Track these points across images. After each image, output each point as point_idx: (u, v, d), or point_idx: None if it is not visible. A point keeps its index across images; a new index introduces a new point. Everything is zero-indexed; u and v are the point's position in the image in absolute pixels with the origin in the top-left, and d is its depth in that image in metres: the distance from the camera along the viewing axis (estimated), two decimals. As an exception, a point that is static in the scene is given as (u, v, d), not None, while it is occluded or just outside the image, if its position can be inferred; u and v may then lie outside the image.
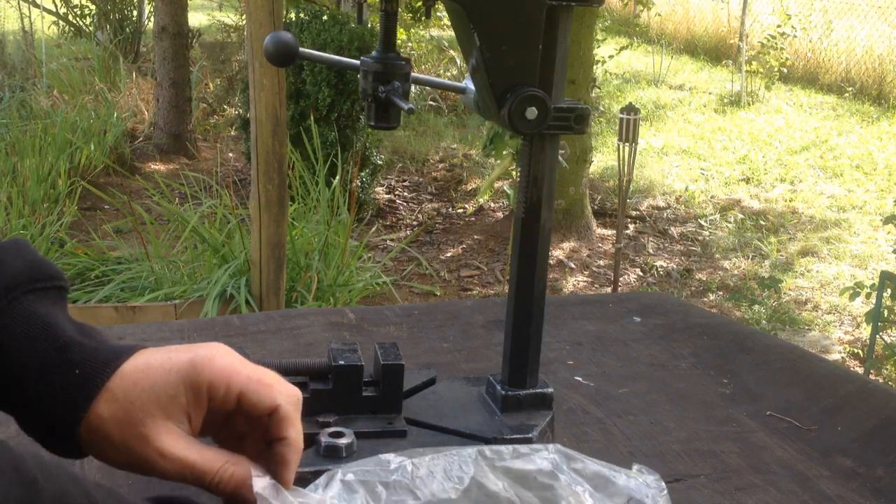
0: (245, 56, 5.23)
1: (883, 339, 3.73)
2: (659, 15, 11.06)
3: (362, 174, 5.09)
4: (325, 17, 5.05)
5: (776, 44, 8.85)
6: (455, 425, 0.98)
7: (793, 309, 4.67)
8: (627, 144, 4.24)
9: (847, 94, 9.45)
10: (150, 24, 7.51)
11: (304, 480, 0.87)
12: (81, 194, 4.89)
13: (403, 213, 5.73)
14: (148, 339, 1.30)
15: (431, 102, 8.13)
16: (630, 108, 4.27)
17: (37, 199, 4.54)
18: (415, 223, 5.55)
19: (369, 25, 5.12)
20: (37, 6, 8.23)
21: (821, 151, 7.60)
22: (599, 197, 6.17)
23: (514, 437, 0.97)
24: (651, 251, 5.38)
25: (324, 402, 0.96)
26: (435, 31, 9.27)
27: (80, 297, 3.54)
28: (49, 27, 8.79)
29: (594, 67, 6.39)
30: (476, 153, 6.61)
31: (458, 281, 4.75)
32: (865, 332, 4.15)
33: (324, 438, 0.91)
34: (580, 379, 1.25)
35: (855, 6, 10.22)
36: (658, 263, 5.15)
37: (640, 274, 5.04)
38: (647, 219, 5.90)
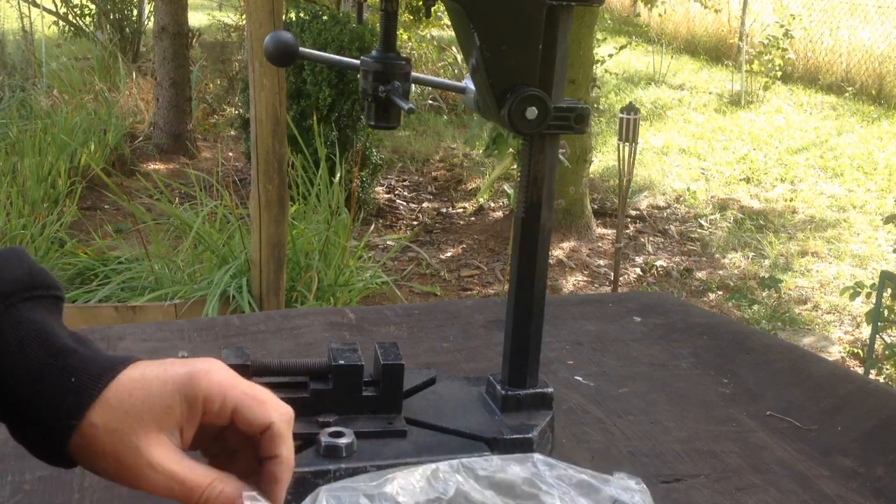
0: (245, 56, 5.23)
1: (883, 339, 3.73)
2: (660, 15, 11.06)
3: (362, 174, 5.09)
4: (325, 17, 5.05)
5: (779, 43, 8.85)
6: (455, 425, 0.98)
7: (793, 309, 4.67)
8: (627, 144, 4.24)
9: (847, 94, 9.44)
10: (150, 24, 7.51)
11: (304, 480, 0.87)
12: (81, 194, 4.89)
13: (403, 213, 5.73)
14: (148, 339, 1.30)
15: (431, 102, 8.13)
16: (630, 108, 4.27)
17: (37, 199, 4.53)
18: (415, 223, 5.55)
19: (369, 25, 5.12)
20: (37, 6, 8.23)
21: (821, 151, 7.60)
22: (599, 197, 6.17)
23: (514, 436, 0.97)
24: (651, 251, 5.38)
25: (324, 402, 0.96)
26: (435, 31, 9.27)
27: (80, 297, 3.54)
28: (49, 27, 8.79)
29: (594, 67, 6.39)
30: (476, 153, 6.61)
31: (458, 281, 4.75)
32: (865, 332, 4.15)
33: (324, 438, 0.91)
34: (580, 379, 1.25)
35: (855, 6, 10.22)
36: (658, 263, 5.15)
37: (640, 274, 5.04)
38: (647, 218, 5.90)
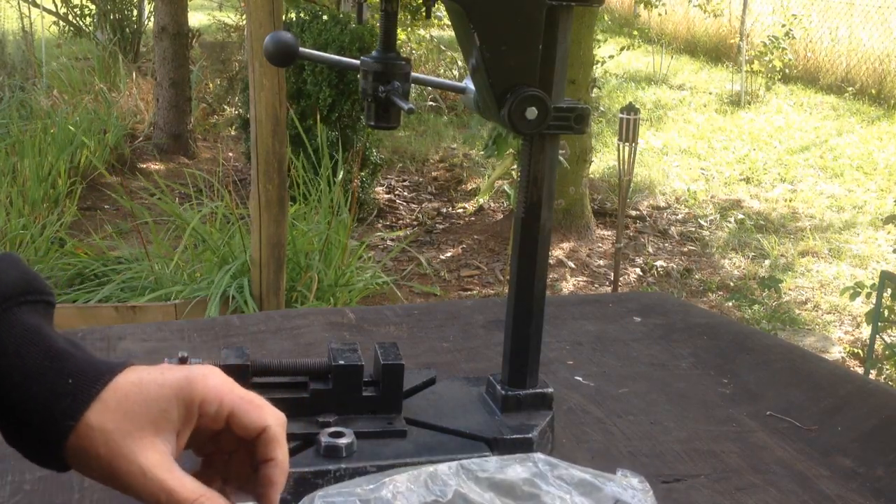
0: (245, 56, 5.23)
1: (883, 339, 3.73)
2: (661, 15, 11.06)
3: (362, 174, 5.09)
4: (325, 18, 5.05)
5: (779, 44, 8.85)
6: (455, 425, 0.98)
7: (793, 309, 4.67)
8: (627, 144, 4.24)
9: (847, 94, 9.44)
10: (150, 24, 7.51)
11: (304, 480, 0.87)
12: (81, 194, 4.89)
13: (403, 213, 5.73)
14: (148, 339, 1.30)
15: (431, 102, 8.13)
16: (630, 108, 4.27)
17: (37, 199, 4.53)
18: (415, 223, 5.55)
19: (369, 26, 5.12)
20: (37, 6, 8.23)
21: (821, 151, 7.60)
22: (599, 197, 6.17)
23: (515, 436, 0.97)
24: (651, 251, 5.38)
25: (324, 402, 0.96)
26: (435, 31, 9.27)
27: (80, 297, 3.54)
28: (49, 27, 8.79)
29: (594, 67, 6.39)
30: (476, 153, 6.61)
31: (458, 281, 4.75)
32: (865, 332, 4.15)
33: (324, 438, 0.91)
34: (580, 379, 1.25)
35: (856, 6, 10.22)
36: (658, 263, 5.15)
37: (640, 274, 5.04)
38: (647, 219, 5.90)
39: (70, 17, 8.83)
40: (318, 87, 4.93)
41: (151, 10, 7.91)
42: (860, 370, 3.79)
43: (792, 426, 1.15)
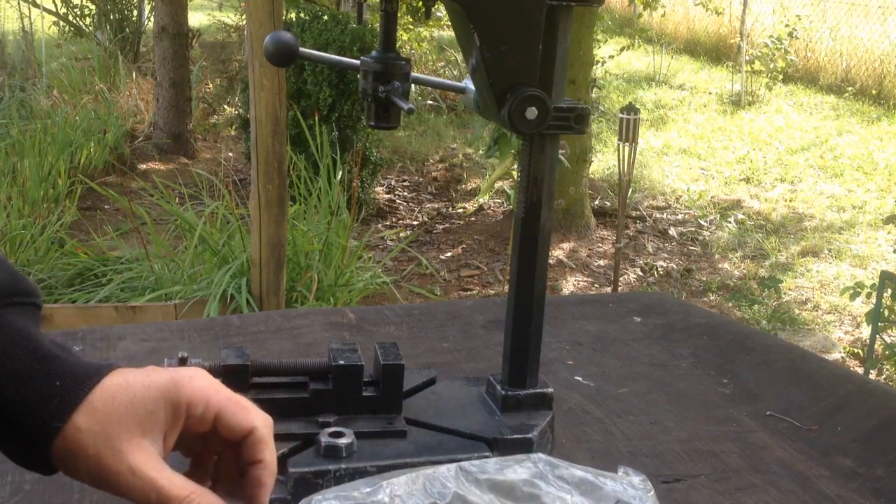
0: (245, 56, 5.23)
1: (883, 339, 3.73)
2: (662, 15, 11.05)
3: (362, 174, 5.09)
4: (325, 18, 5.05)
5: (781, 45, 8.85)
6: (455, 425, 0.98)
7: (793, 309, 4.67)
8: (627, 144, 4.24)
9: (847, 94, 9.44)
10: (150, 24, 7.51)
11: (304, 480, 0.87)
12: (81, 194, 4.89)
13: (403, 213, 5.73)
14: (148, 339, 1.30)
15: (431, 102, 8.13)
16: (630, 108, 4.27)
17: (37, 199, 4.54)
18: (415, 223, 5.55)
19: (369, 26, 5.12)
20: (37, 6, 8.23)
21: (821, 151, 7.60)
22: (599, 197, 6.17)
23: (515, 437, 0.97)
24: (651, 251, 5.38)
25: (324, 402, 0.96)
26: (435, 31, 9.27)
27: (80, 297, 3.54)
28: (49, 27, 8.78)
29: (594, 67, 6.39)
30: (476, 153, 6.61)
31: (458, 281, 4.75)
32: (865, 332, 4.15)
33: (324, 438, 0.91)
34: (580, 379, 1.25)
35: (856, 6, 10.22)
36: (658, 263, 5.15)
37: (640, 274, 5.04)
38: (647, 219, 5.90)
39: (70, 17, 8.83)
40: (318, 87, 4.93)
41: (151, 10, 7.91)
42: (860, 370, 3.79)
43: (792, 426, 1.15)
